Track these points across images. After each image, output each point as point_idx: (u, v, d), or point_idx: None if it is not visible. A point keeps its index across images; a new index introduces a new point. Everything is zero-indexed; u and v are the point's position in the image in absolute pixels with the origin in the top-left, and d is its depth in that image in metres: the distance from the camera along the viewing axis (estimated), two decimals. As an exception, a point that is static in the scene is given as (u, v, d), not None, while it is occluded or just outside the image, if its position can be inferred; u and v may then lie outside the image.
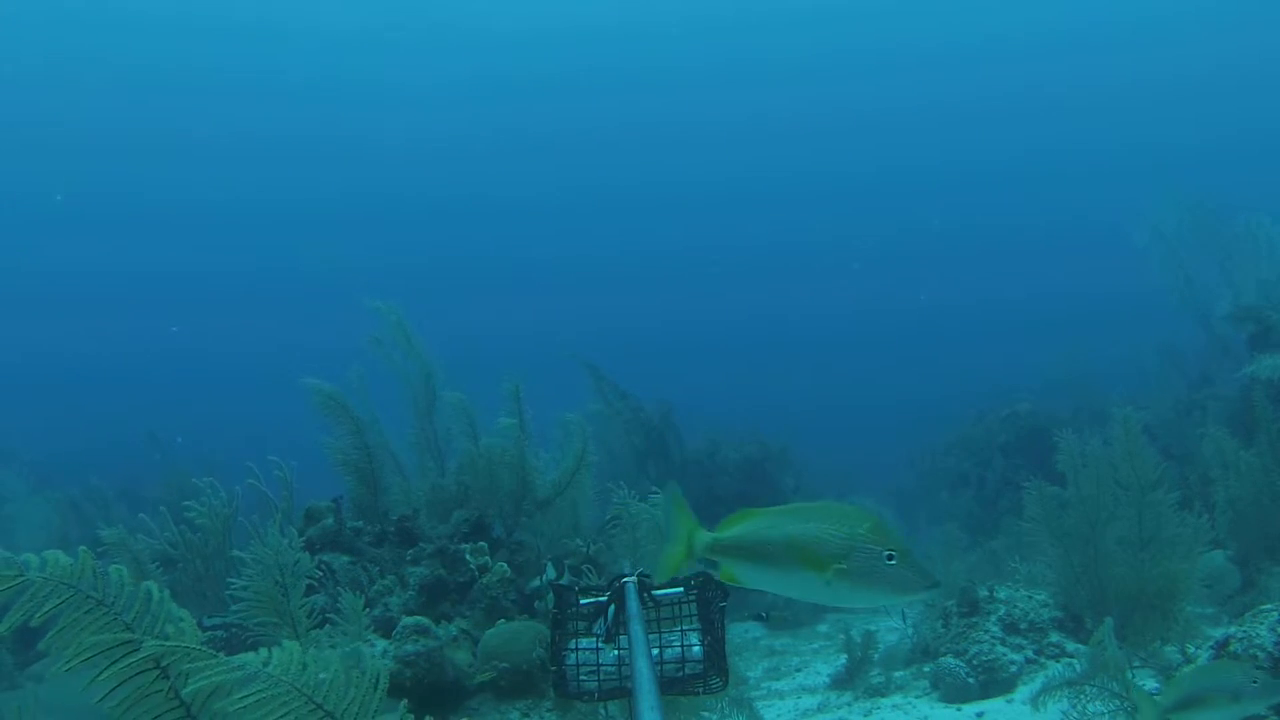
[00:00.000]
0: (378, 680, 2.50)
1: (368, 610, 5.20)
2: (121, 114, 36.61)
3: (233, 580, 4.03)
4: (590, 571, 5.73)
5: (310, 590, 3.74)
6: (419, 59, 38.46)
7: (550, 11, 37.55)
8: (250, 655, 2.36)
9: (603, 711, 4.18)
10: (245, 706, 2.29)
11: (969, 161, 41.37)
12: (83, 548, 2.57)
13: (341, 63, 37.91)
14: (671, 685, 2.48)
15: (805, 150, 42.15)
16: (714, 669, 2.51)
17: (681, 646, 2.51)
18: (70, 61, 34.87)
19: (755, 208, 44.07)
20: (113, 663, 2.46)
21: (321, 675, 2.38)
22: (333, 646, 3.86)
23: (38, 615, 2.45)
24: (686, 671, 2.50)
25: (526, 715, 4.61)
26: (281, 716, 2.30)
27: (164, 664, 2.50)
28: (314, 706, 2.32)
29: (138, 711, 2.50)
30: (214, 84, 36.89)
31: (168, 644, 2.44)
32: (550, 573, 5.68)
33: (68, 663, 2.44)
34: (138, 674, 2.49)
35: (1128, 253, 14.32)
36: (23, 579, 2.43)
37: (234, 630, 4.42)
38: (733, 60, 39.17)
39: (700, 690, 2.52)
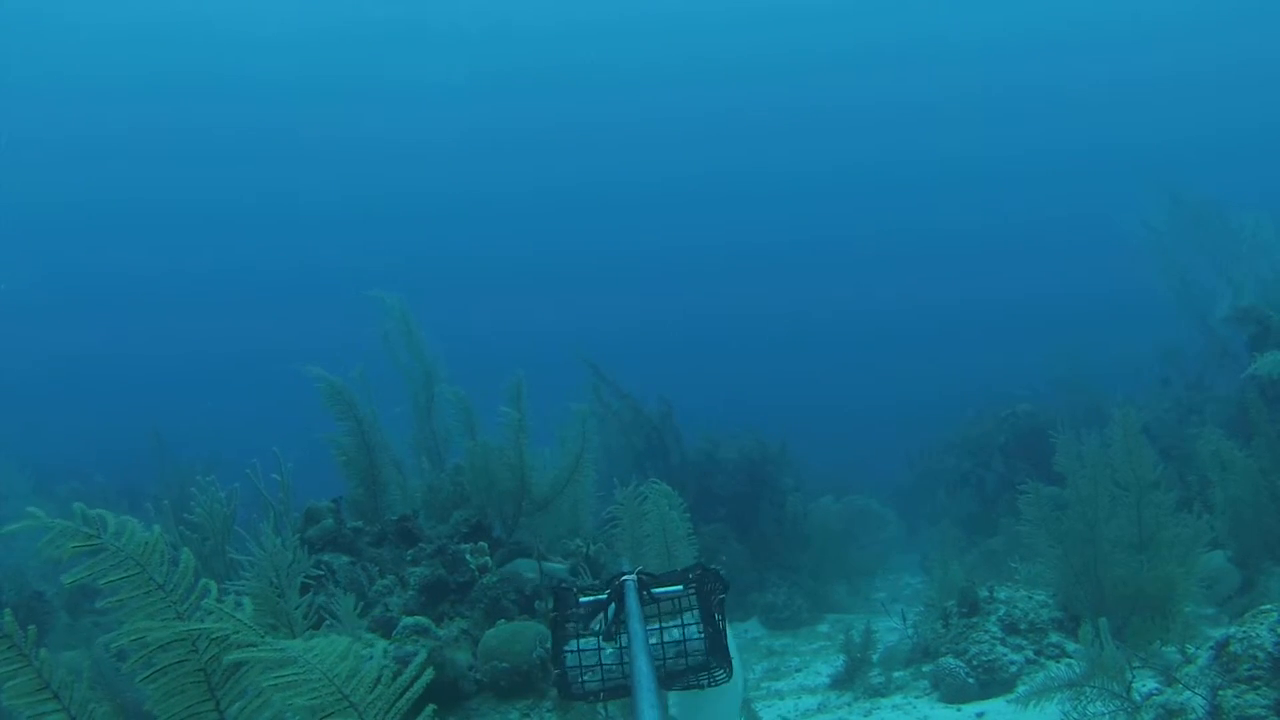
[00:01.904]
0: (410, 685, 2.51)
1: (368, 610, 5.21)
2: (121, 116, 36.63)
3: (229, 583, 4.03)
4: (585, 571, 5.74)
5: (305, 589, 3.74)
6: (418, 58, 38.47)
7: (549, 10, 37.56)
8: (298, 641, 2.41)
9: (602, 711, 4.18)
10: (276, 685, 2.34)
11: (969, 160, 41.35)
12: (157, 526, 2.60)
13: (341, 63, 37.92)
14: (675, 679, 2.47)
15: (806, 148, 42.14)
16: (717, 660, 2.49)
17: (681, 627, 2.49)
18: (70, 65, 34.90)
19: (755, 206, 44.09)
20: (161, 650, 2.52)
21: (355, 668, 2.40)
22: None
23: (102, 581, 2.49)
24: (689, 659, 2.47)
25: (526, 715, 4.61)
26: (309, 702, 2.34)
27: (203, 652, 2.56)
28: (340, 697, 2.35)
29: (174, 701, 2.56)
30: (213, 85, 36.90)
31: (223, 609, 2.50)
32: (550, 568, 5.67)
33: (118, 640, 2.49)
34: (178, 662, 2.55)
35: (1128, 252, 14.32)
36: (98, 542, 2.47)
37: None
38: (733, 57, 39.16)
39: (705, 683, 2.50)
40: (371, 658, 2.52)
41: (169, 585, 2.55)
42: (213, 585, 2.60)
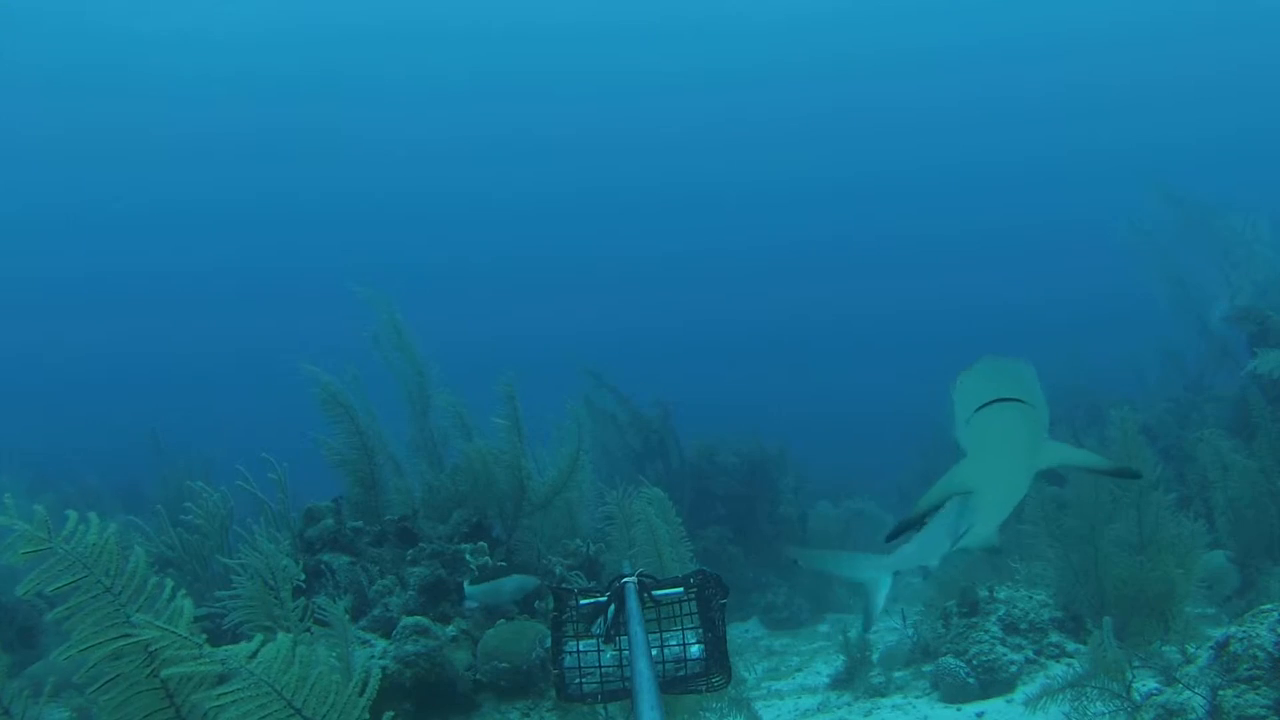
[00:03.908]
0: (364, 686, 2.44)
1: (368, 610, 5.19)
2: (119, 115, 36.60)
3: (221, 592, 4.00)
4: (579, 576, 5.71)
5: (298, 592, 3.70)
6: (419, 58, 38.45)
7: (550, 11, 37.56)
8: (238, 646, 2.29)
9: (602, 712, 4.17)
10: (221, 705, 2.24)
11: (968, 164, 41.44)
12: (112, 526, 2.50)
13: (341, 62, 37.89)
14: (674, 684, 2.46)
15: (804, 152, 42.19)
16: (715, 667, 2.49)
17: (681, 645, 2.49)
18: (68, 63, 34.85)
19: (754, 210, 44.12)
20: (109, 657, 2.41)
21: (303, 675, 2.32)
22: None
23: (51, 588, 2.40)
24: (686, 671, 2.48)
25: (526, 715, 4.60)
26: (261, 718, 2.25)
27: (155, 661, 2.45)
28: (292, 711, 2.27)
29: (130, 708, 2.45)
30: (212, 84, 36.87)
31: (151, 620, 2.39)
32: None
33: (67, 652, 2.40)
34: (130, 671, 2.45)
35: (1126, 255, 14.33)
36: (48, 546, 2.39)
37: (218, 620, 4.42)
38: (733, 62, 39.20)
39: (703, 688, 2.50)
40: (319, 662, 2.38)
41: (116, 589, 2.44)
42: (168, 584, 2.51)
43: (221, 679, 2.37)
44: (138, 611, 2.45)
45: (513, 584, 5.19)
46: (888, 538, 4.62)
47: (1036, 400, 3.80)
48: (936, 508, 4.43)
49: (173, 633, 2.36)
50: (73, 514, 2.46)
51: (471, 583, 5.19)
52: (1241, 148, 35.13)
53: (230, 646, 2.31)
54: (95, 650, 2.41)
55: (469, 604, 5.13)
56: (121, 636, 2.41)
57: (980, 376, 3.63)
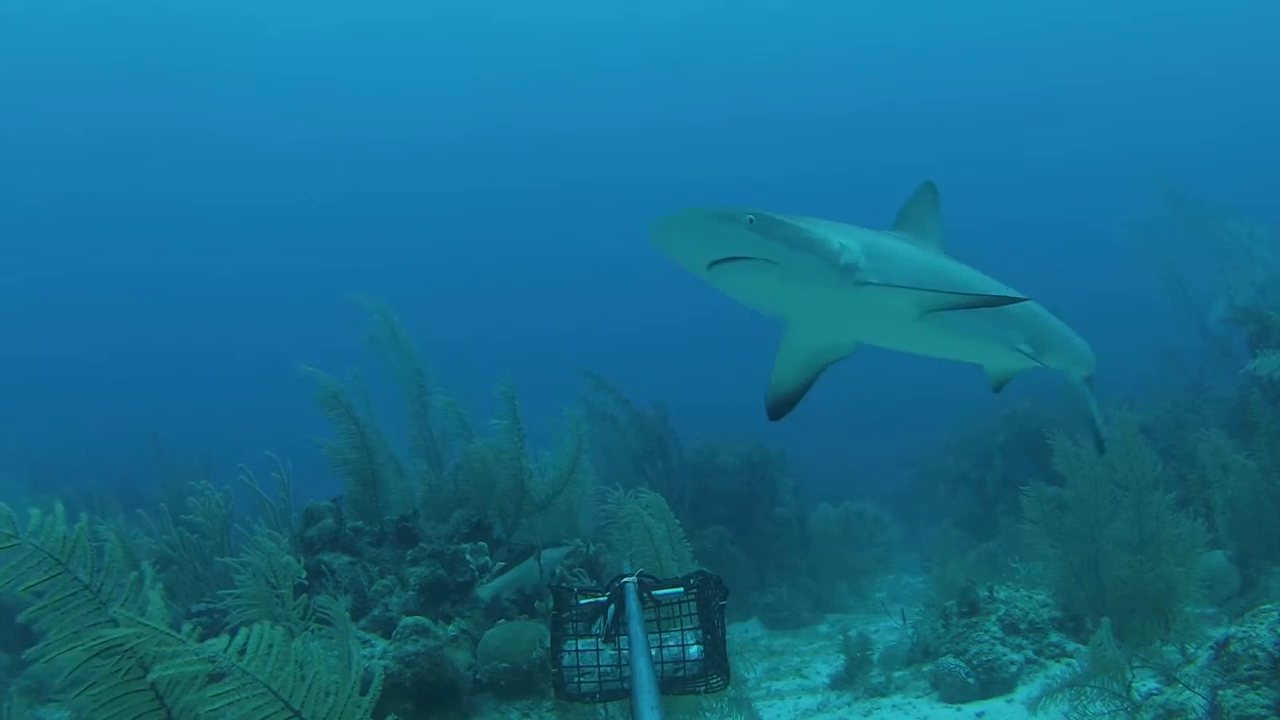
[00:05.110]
0: (366, 686, 2.36)
1: (368, 610, 5.19)
2: (119, 114, 36.60)
3: (223, 591, 4.00)
4: (582, 574, 5.72)
5: (300, 591, 3.71)
6: (418, 59, 38.47)
7: (550, 10, 37.58)
8: (221, 640, 2.19)
9: (603, 712, 4.17)
10: (216, 708, 2.14)
11: (968, 162, 41.39)
12: (83, 518, 2.39)
13: (342, 62, 37.91)
14: (673, 685, 2.47)
15: (800, 149, 42.22)
16: (714, 668, 2.49)
17: (681, 646, 2.50)
18: (68, 61, 34.86)
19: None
20: (88, 657, 2.31)
21: (300, 673, 2.25)
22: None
23: (22, 587, 2.28)
24: (685, 672, 2.49)
25: (526, 715, 4.60)
26: None
27: (135, 659, 2.37)
28: (291, 713, 2.19)
29: (115, 710, 2.36)
30: (213, 83, 36.88)
31: (127, 614, 2.29)
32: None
33: (47, 654, 2.30)
34: (114, 670, 2.35)
35: (1127, 254, 14.33)
36: (16, 541, 2.27)
37: (217, 616, 4.43)
38: (732, 59, 39.23)
39: (702, 689, 2.51)
40: (316, 659, 2.31)
41: (95, 584, 2.32)
42: (149, 570, 2.44)
43: (214, 678, 2.25)
44: (118, 608, 2.36)
45: (531, 564, 5.20)
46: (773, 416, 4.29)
47: (762, 248, 2.98)
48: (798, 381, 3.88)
49: (154, 629, 2.25)
50: (35, 511, 2.34)
51: (488, 580, 5.22)
52: (1241, 148, 35.13)
53: (215, 640, 2.20)
54: (72, 652, 2.30)
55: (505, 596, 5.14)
56: (98, 639, 2.30)
57: (669, 250, 2.86)
